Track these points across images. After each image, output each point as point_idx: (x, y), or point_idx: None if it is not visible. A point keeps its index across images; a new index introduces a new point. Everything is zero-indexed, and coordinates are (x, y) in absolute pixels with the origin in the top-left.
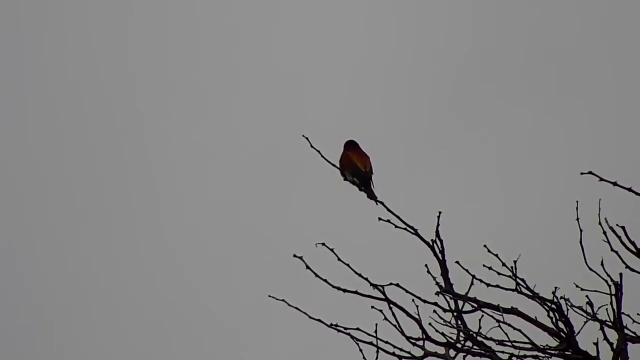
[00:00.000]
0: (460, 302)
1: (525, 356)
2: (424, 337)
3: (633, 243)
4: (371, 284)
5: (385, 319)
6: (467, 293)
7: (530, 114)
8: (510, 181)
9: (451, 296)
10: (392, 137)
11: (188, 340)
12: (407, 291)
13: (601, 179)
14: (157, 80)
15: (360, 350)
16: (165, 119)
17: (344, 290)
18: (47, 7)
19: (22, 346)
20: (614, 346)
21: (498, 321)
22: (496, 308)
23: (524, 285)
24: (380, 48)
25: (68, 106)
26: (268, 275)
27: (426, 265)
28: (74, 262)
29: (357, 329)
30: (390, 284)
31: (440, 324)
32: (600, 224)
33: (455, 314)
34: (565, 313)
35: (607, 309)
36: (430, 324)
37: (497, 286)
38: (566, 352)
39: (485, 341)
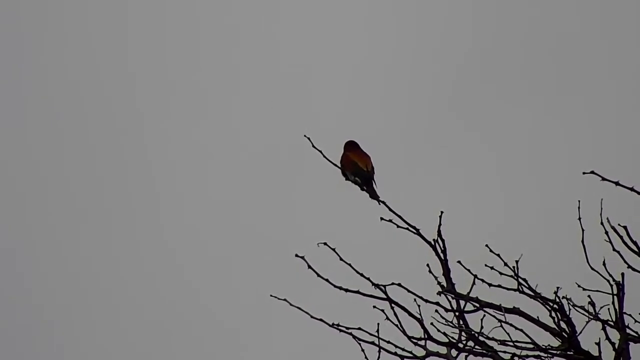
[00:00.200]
0: (462, 302)
1: (527, 356)
2: (426, 336)
3: (635, 243)
4: (373, 284)
5: (387, 318)
6: (469, 293)
7: (530, 113)
8: (511, 181)
9: (453, 296)
10: (392, 137)
11: (188, 340)
12: (409, 291)
13: (603, 179)
14: (157, 80)
15: (362, 350)
16: (165, 119)
17: (346, 290)
18: (47, 7)
19: (22, 346)
20: (616, 346)
21: (500, 321)
22: (498, 308)
23: (526, 285)
24: (380, 48)
25: (68, 106)
26: (269, 275)
27: (428, 265)
28: (74, 262)
29: (359, 328)
30: (392, 283)
31: (442, 323)
32: (602, 223)
33: (457, 313)
34: (567, 313)
35: (609, 309)
36: (432, 323)
37: (499, 286)
38: (568, 352)
39: (487, 341)
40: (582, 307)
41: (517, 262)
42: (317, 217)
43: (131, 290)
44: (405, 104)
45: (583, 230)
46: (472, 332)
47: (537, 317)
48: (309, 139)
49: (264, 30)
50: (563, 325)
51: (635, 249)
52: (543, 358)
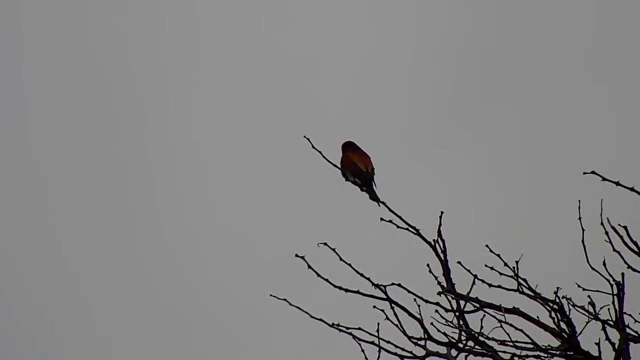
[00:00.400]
0: (462, 302)
1: (527, 356)
2: (426, 337)
3: (635, 243)
4: (373, 284)
5: (387, 318)
6: (469, 293)
7: (530, 113)
8: (512, 181)
9: (453, 296)
10: (392, 137)
11: (188, 340)
12: (409, 291)
13: (604, 179)
14: (157, 80)
15: (362, 350)
16: (165, 119)
17: (346, 290)
18: (47, 7)
19: (22, 346)
20: (616, 346)
21: (500, 321)
22: (498, 308)
23: (526, 286)
24: (381, 48)
25: (68, 106)
26: (269, 275)
27: (428, 265)
28: (74, 262)
29: (359, 328)
30: (392, 283)
31: (442, 323)
32: (602, 223)
33: (457, 313)
34: (567, 313)
35: (609, 309)
36: (432, 323)
37: (499, 286)
38: (568, 352)
39: (487, 341)
40: (582, 307)
41: (517, 262)
42: (317, 218)
43: (131, 290)
44: (405, 104)
45: (583, 230)
46: (472, 332)
47: (537, 317)
48: (308, 139)
49: (264, 30)
50: (563, 325)
51: (636, 249)
52: (543, 358)
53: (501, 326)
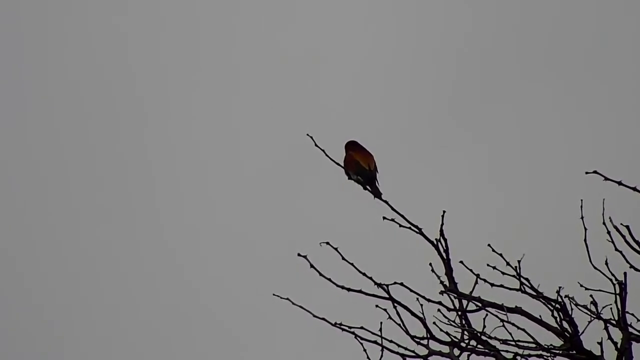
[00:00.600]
0: (464, 302)
1: (530, 355)
2: (429, 336)
3: (637, 242)
4: (375, 283)
5: (390, 318)
6: (471, 292)
7: (531, 113)
8: (513, 180)
9: (455, 295)
10: (392, 137)
11: (188, 340)
12: (411, 290)
13: (606, 179)
14: (157, 80)
15: (365, 349)
16: (165, 119)
17: (348, 289)
18: (47, 7)
19: (22, 346)
20: (618, 345)
21: (502, 320)
22: (500, 307)
23: (528, 285)
24: (381, 48)
25: (68, 106)
26: (271, 274)
27: (430, 265)
28: (74, 262)
29: (362, 328)
30: (395, 283)
31: (445, 323)
32: (604, 223)
33: (459, 313)
34: (570, 312)
35: (611, 308)
36: (434, 323)
37: (502, 286)
38: (570, 352)
39: (489, 340)
40: (585, 307)
41: (519, 261)
42: (318, 217)
43: (131, 290)
44: (405, 104)
45: (586, 229)
46: (475, 332)
47: (540, 316)
48: (311, 138)
49: (264, 30)
50: (565, 324)
51: (638, 249)
52: (545, 357)
53: (503, 325)
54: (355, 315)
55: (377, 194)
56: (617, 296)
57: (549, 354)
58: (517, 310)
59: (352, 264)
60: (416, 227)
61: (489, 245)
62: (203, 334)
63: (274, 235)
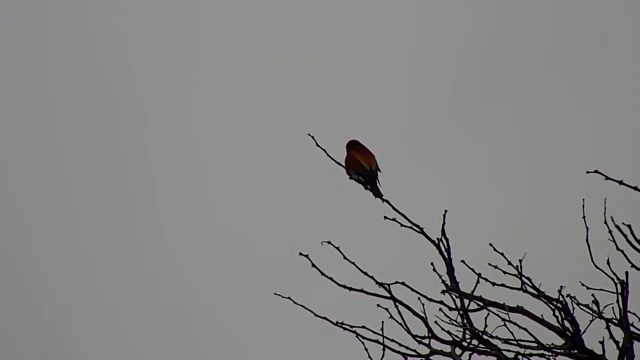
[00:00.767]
0: (466, 301)
1: (531, 355)
2: (430, 335)
3: (639, 241)
4: (377, 283)
5: (391, 317)
6: (472, 292)
7: (531, 113)
8: (512, 181)
9: (457, 295)
10: (393, 137)
11: (188, 340)
12: (413, 289)
13: (607, 178)
14: (157, 80)
15: (366, 348)
16: (165, 118)
17: (350, 289)
18: (47, 7)
19: (22, 346)
20: (620, 345)
21: (504, 320)
22: (502, 307)
23: (530, 284)
24: (381, 48)
25: (68, 106)
26: (270, 274)
27: (432, 264)
28: (74, 262)
29: (363, 327)
30: (396, 282)
31: (446, 322)
32: (606, 222)
33: (461, 312)
34: (571, 312)
35: (613, 308)
36: (436, 322)
37: (503, 285)
38: (572, 351)
39: (491, 340)
40: (586, 306)
41: (520, 261)
42: (320, 216)
43: (131, 290)
44: (405, 104)
45: (587, 229)
46: (476, 331)
47: (541, 315)
48: (312, 137)
49: (264, 30)
50: (567, 324)
51: (639, 248)
52: (547, 357)
53: (505, 325)
54: (357, 314)
55: (378, 193)
56: (619, 295)
57: (550, 354)
58: (519, 310)
59: (353, 263)
60: (417, 226)
61: (490, 244)
62: (203, 334)
63: (275, 234)
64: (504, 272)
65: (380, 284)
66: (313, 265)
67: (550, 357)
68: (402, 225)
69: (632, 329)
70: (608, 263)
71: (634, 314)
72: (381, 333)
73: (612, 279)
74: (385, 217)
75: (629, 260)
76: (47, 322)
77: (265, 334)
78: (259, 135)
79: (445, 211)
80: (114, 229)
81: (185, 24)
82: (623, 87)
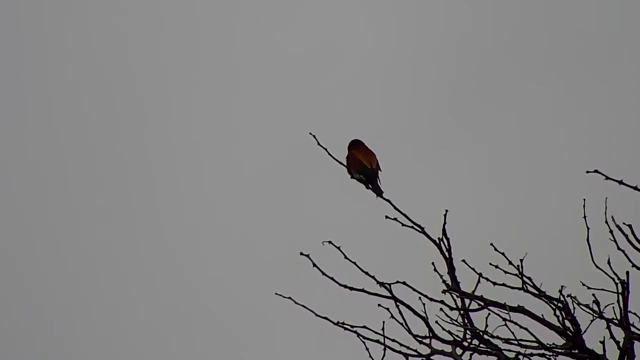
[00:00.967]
0: (467, 301)
1: (532, 354)
2: (431, 335)
3: (639, 241)
4: (378, 282)
5: (392, 317)
6: (473, 291)
7: (531, 113)
8: (512, 181)
9: (458, 294)
10: (393, 137)
11: (188, 340)
12: (413, 289)
13: (607, 178)
14: (157, 80)
15: (367, 348)
16: (165, 118)
17: (351, 289)
18: (47, 7)
19: (22, 346)
20: (621, 345)
21: (505, 319)
22: (503, 306)
23: (531, 284)
24: (380, 48)
25: (68, 106)
26: (270, 274)
27: (433, 264)
28: (74, 262)
29: (364, 327)
30: (397, 282)
31: (447, 322)
32: (606, 222)
33: (462, 312)
34: (572, 311)
35: (613, 308)
36: (437, 322)
37: (504, 285)
38: (573, 351)
39: (491, 339)
40: (587, 306)
41: (521, 260)
42: (321, 216)
43: (131, 290)
44: (405, 104)
45: (588, 228)
46: (477, 331)
47: (542, 315)
48: (314, 136)
49: (264, 30)
50: (568, 323)
51: None
52: (548, 356)
53: (506, 324)
54: (358, 314)
55: (379, 193)
56: (620, 295)
57: (551, 353)
58: (520, 310)
59: (354, 263)
60: (419, 226)
61: (491, 244)
62: (203, 334)
63: (276, 234)
64: (505, 272)
65: (381, 284)
66: (314, 265)
67: (551, 357)
68: (403, 224)
69: (632, 329)
70: (609, 263)
71: (634, 314)
72: (382, 333)
73: (613, 278)
74: (387, 217)
75: (629, 260)
76: (47, 322)
77: (266, 334)
78: (259, 135)
79: (446, 211)
80: (114, 229)
81: (185, 24)
82: (623, 87)
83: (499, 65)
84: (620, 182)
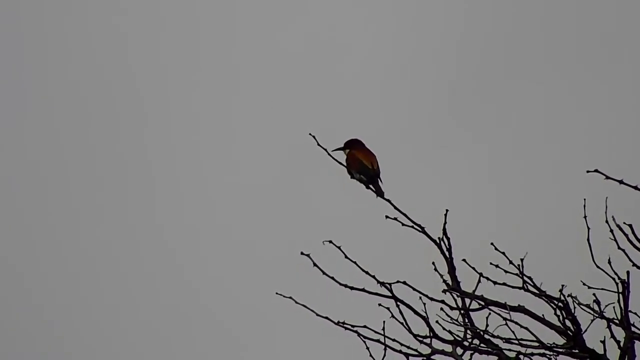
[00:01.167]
0: (467, 300)
1: (533, 354)
2: (431, 334)
3: None
4: (378, 282)
5: (393, 316)
6: (474, 291)
7: (532, 112)
8: (512, 180)
9: (458, 294)
10: (392, 137)
11: (188, 340)
12: (414, 289)
13: (607, 177)
14: (157, 80)
15: (367, 348)
16: (165, 119)
17: (351, 288)
18: (47, 7)
19: (22, 346)
20: (621, 344)
21: (505, 319)
22: (503, 306)
23: (531, 283)
24: (380, 48)
25: (68, 106)
26: (270, 274)
27: (433, 263)
28: (74, 262)
29: (365, 326)
30: (398, 281)
31: (448, 321)
32: (607, 222)
33: (462, 311)
34: (572, 311)
35: (614, 307)
36: (437, 321)
37: (504, 284)
38: (573, 350)
39: (492, 339)
40: (587, 306)
41: (522, 260)
42: (321, 216)
43: (131, 290)
44: (405, 104)
45: (589, 228)
46: (478, 330)
47: (542, 315)
48: (314, 137)
49: (264, 30)
50: (568, 323)
51: None
52: (548, 356)
53: (506, 324)
54: (358, 314)
55: (379, 193)
56: (620, 295)
57: (551, 353)
58: (520, 309)
59: (355, 263)
60: (419, 226)
61: (491, 243)
62: (203, 334)
63: (276, 234)
64: (505, 272)
65: (382, 284)
66: (314, 264)
67: (552, 357)
68: (403, 224)
69: (633, 328)
70: (609, 262)
71: (635, 313)
72: (382, 333)
73: (613, 278)
74: (387, 217)
75: (630, 260)
76: (47, 322)
77: (266, 334)
78: (259, 135)
79: (447, 211)
80: (114, 229)
81: (185, 24)
82: (623, 87)
83: (499, 66)
84: (621, 182)
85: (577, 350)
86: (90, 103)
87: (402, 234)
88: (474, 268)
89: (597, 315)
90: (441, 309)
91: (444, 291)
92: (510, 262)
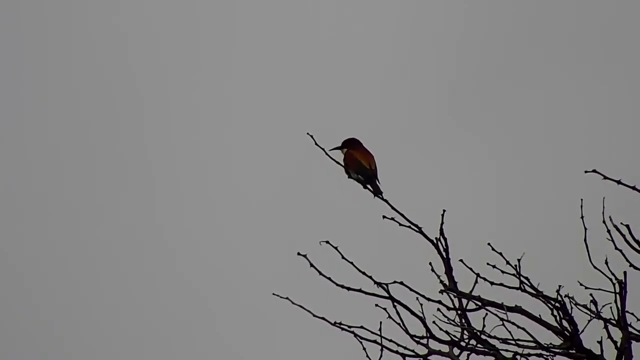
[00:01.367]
0: (464, 301)
1: (529, 354)
2: (428, 335)
3: (637, 241)
4: (375, 282)
5: (390, 317)
6: (471, 291)
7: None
8: (512, 180)
9: (455, 294)
10: (392, 136)
11: (188, 340)
12: (411, 289)
13: (605, 177)
14: (157, 80)
15: (364, 348)
16: (165, 119)
17: (348, 289)
18: (47, 7)
19: (22, 346)
20: (618, 344)
21: (502, 319)
22: (500, 306)
23: (528, 284)
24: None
25: (68, 106)
26: (271, 273)
27: (430, 264)
28: (74, 262)
29: (361, 327)
30: (394, 282)
31: (445, 322)
32: (604, 222)
33: (459, 312)
34: (569, 311)
35: (611, 308)
36: (434, 322)
37: (501, 284)
38: (570, 351)
39: (489, 339)
40: (584, 306)
41: (519, 260)
42: (319, 216)
43: (131, 290)
44: (405, 104)
45: (586, 229)
46: (475, 331)
47: (539, 315)
48: (311, 136)
49: (264, 30)
50: (565, 323)
51: (638, 248)
52: (545, 356)
53: (503, 324)
54: (355, 314)
55: (377, 192)
56: (617, 295)
57: (548, 353)
58: (517, 309)
59: (351, 263)
60: (416, 226)
61: (488, 244)
62: (203, 334)
63: (274, 234)
64: (503, 272)
65: (379, 284)
66: (311, 265)
67: (549, 357)
68: (400, 224)
69: (630, 328)
70: (606, 263)
71: (632, 314)
72: (379, 333)
73: (611, 278)
74: (384, 217)
75: (627, 260)
76: (47, 322)
77: (264, 334)
78: (258, 135)
79: (444, 211)
80: (113, 229)
81: (185, 24)
82: (623, 86)
83: (499, 65)
84: (619, 182)
85: (574, 351)
86: (90, 103)
87: (399, 234)
88: (471, 268)
89: (594, 316)
90: (438, 309)
91: (441, 291)
92: (507, 263)
